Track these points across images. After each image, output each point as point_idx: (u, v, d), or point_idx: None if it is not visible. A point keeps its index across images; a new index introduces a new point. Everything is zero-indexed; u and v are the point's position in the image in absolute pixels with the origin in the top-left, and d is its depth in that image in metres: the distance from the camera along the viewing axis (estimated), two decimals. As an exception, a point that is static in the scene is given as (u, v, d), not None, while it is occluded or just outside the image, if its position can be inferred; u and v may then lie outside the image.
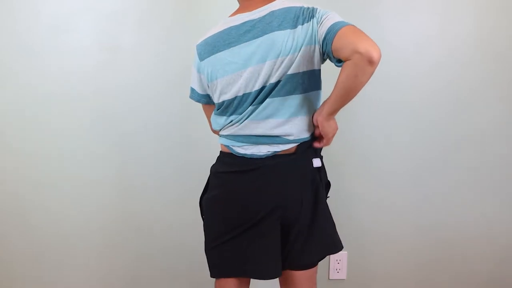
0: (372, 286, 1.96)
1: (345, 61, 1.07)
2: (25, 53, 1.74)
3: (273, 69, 1.16)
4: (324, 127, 1.21)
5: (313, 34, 1.13)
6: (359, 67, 1.05)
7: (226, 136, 1.27)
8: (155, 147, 1.82)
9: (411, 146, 1.85)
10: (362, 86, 1.10)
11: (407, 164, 1.86)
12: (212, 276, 1.31)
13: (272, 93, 1.18)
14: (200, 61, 1.25)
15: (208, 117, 1.39)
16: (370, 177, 1.87)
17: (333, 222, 1.32)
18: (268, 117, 1.19)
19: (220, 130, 1.29)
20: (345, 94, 1.12)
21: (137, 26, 1.75)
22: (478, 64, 1.79)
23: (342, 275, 1.93)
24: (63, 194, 1.84)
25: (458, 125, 1.83)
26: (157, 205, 1.87)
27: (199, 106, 1.40)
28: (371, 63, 1.04)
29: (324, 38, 1.11)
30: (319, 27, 1.13)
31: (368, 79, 1.08)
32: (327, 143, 1.25)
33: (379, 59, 1.04)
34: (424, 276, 1.95)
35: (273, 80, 1.17)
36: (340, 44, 1.08)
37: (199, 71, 1.28)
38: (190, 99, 1.38)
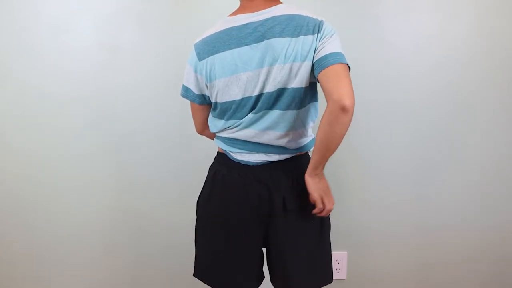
0: (372, 286, 1.95)
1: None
2: (25, 53, 1.74)
3: (270, 76, 1.14)
4: (308, 184, 1.18)
5: (313, 50, 1.12)
6: (333, 114, 1.04)
7: (224, 140, 1.27)
8: (155, 147, 1.82)
9: (411, 146, 1.85)
10: (338, 138, 1.08)
11: (407, 164, 1.86)
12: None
13: (274, 105, 1.17)
14: (199, 60, 1.22)
15: (196, 117, 1.37)
16: (370, 177, 1.87)
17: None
18: (267, 129, 1.19)
19: (217, 132, 1.29)
20: (322, 144, 1.10)
21: (137, 26, 1.75)
22: (478, 64, 1.79)
23: (342, 275, 1.93)
24: (63, 194, 1.84)
25: (458, 125, 1.83)
26: (157, 205, 1.87)
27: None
28: (343, 110, 1.02)
29: (315, 64, 1.11)
30: (318, 46, 1.12)
31: (343, 130, 1.06)
32: (319, 205, 1.18)
33: (352, 107, 1.03)
34: (424, 276, 1.95)
35: (270, 88, 1.15)
36: (322, 81, 1.09)
37: (196, 71, 1.24)
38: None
